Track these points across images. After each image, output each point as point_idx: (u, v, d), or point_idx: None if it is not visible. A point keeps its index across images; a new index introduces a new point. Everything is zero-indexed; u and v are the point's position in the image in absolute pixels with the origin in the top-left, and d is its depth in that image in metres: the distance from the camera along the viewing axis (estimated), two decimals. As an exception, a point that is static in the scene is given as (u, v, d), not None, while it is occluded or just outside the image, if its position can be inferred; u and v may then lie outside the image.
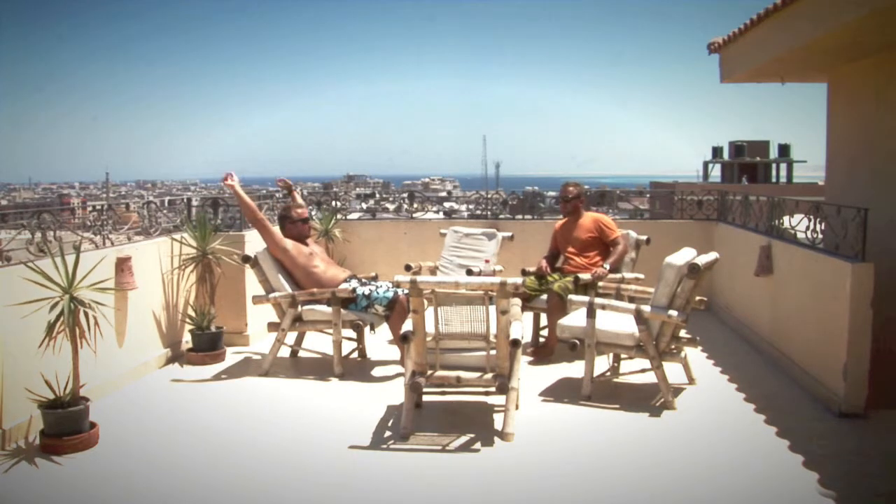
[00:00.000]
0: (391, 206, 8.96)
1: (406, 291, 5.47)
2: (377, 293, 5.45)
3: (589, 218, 6.14)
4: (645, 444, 4.10)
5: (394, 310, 5.40)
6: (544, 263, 6.06)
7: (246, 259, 5.61)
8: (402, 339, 4.25)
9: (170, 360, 5.73)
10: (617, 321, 4.86)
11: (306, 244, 5.73)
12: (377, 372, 5.53)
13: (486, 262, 6.39)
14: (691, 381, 5.15)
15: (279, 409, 4.71)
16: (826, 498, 3.41)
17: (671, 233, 7.45)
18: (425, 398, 4.68)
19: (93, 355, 4.28)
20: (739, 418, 4.51)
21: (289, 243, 5.58)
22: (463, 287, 4.17)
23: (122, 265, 5.01)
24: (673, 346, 4.87)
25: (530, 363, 5.73)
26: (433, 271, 6.63)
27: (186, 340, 5.93)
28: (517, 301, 4.89)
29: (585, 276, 5.67)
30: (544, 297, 5.82)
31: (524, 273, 6.08)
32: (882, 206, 5.58)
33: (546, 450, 4.03)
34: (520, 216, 8.36)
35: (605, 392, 4.97)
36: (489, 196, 8.52)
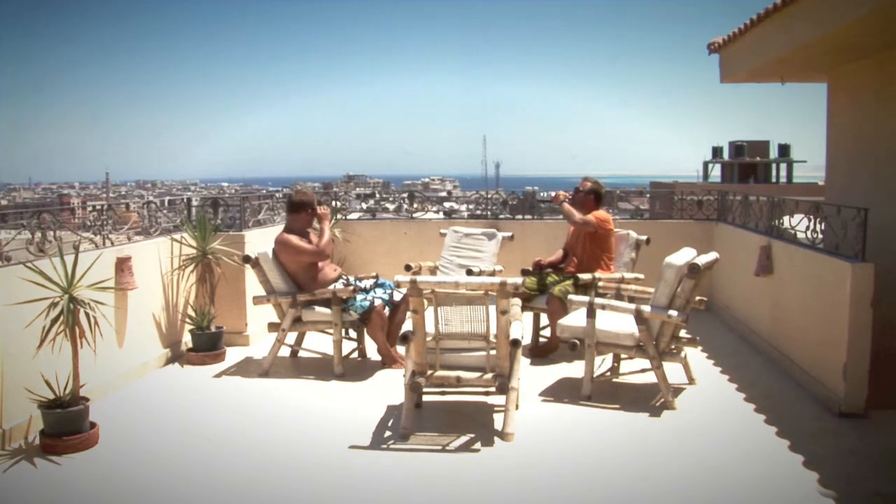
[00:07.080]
0: (391, 206, 8.97)
1: (382, 299, 5.49)
2: (354, 300, 5.42)
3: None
4: (645, 444, 4.10)
5: (370, 319, 5.38)
6: (541, 260, 6.13)
7: (246, 259, 5.61)
8: (402, 340, 4.23)
9: (170, 360, 5.73)
10: (617, 321, 4.86)
11: (309, 239, 5.63)
12: (377, 372, 5.52)
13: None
14: (691, 381, 5.15)
15: (279, 409, 4.71)
16: (826, 498, 3.42)
17: (671, 233, 7.45)
18: (425, 398, 4.68)
19: (93, 355, 4.29)
20: (739, 418, 4.51)
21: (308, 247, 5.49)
22: (463, 287, 4.17)
23: (122, 265, 5.01)
24: (673, 346, 4.87)
25: (531, 363, 5.73)
26: (433, 271, 6.62)
27: (186, 340, 5.93)
28: (517, 301, 4.89)
29: (585, 276, 5.67)
30: (544, 297, 5.81)
31: (524, 273, 6.07)
32: (882, 206, 5.58)
33: (546, 450, 4.03)
34: (520, 216, 8.36)
35: (605, 392, 4.97)
36: (489, 196, 8.52)
